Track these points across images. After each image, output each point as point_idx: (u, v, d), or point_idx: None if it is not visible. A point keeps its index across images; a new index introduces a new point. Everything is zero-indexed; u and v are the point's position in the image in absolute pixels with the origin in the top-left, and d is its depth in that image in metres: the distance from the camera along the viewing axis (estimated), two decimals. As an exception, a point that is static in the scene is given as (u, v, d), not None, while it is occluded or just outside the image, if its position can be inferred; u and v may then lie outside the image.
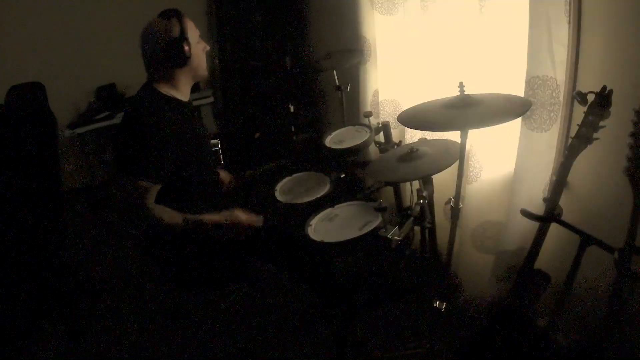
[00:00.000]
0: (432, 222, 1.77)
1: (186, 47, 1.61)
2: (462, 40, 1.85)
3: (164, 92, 1.65)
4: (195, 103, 3.70)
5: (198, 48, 1.68)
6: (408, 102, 2.21)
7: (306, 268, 1.80)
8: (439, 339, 1.85)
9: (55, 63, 3.53)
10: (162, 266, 1.79)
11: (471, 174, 1.85)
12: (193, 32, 1.67)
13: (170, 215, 1.56)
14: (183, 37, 1.61)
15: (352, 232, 1.61)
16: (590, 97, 1.24)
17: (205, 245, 1.68)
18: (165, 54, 1.61)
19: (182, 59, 1.62)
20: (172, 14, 1.63)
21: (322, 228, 1.71)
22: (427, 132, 2.01)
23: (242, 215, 1.62)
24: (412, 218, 1.63)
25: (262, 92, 3.75)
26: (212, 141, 3.31)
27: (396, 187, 2.14)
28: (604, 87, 1.21)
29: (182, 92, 1.71)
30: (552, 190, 1.41)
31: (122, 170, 1.54)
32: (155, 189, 1.55)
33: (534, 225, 1.48)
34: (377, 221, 1.59)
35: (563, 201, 1.42)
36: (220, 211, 1.62)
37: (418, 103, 1.73)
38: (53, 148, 2.46)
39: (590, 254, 1.38)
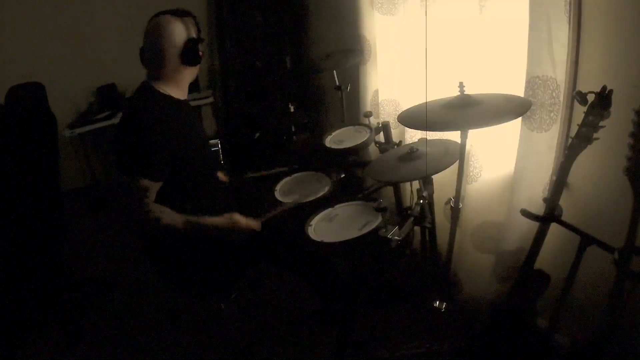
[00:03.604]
0: (432, 222, 1.77)
1: (201, 48, 1.65)
2: (462, 40, 1.85)
3: (162, 91, 1.65)
4: (195, 103, 3.71)
5: None
6: (408, 102, 2.21)
7: (306, 268, 1.80)
8: (439, 339, 1.85)
9: (55, 63, 3.53)
10: (162, 267, 1.79)
11: (471, 174, 1.85)
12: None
13: (170, 216, 1.57)
14: (200, 38, 1.65)
15: (352, 232, 1.61)
16: (590, 97, 1.24)
17: (206, 247, 1.68)
18: (180, 53, 1.61)
19: (197, 59, 1.65)
20: (187, 14, 1.64)
21: (322, 228, 1.71)
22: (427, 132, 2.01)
23: (241, 220, 1.63)
24: (412, 218, 1.63)
25: (262, 92, 3.76)
26: (212, 141, 3.32)
27: (396, 187, 2.14)
28: (604, 87, 1.21)
29: (182, 90, 1.72)
30: (552, 190, 1.41)
31: (122, 170, 1.56)
32: (155, 187, 1.56)
33: (534, 225, 1.47)
34: (377, 221, 1.59)
35: (563, 201, 1.42)
36: (219, 212, 1.63)
37: (418, 103, 1.73)
38: (53, 148, 2.46)
39: (590, 254, 1.38)
